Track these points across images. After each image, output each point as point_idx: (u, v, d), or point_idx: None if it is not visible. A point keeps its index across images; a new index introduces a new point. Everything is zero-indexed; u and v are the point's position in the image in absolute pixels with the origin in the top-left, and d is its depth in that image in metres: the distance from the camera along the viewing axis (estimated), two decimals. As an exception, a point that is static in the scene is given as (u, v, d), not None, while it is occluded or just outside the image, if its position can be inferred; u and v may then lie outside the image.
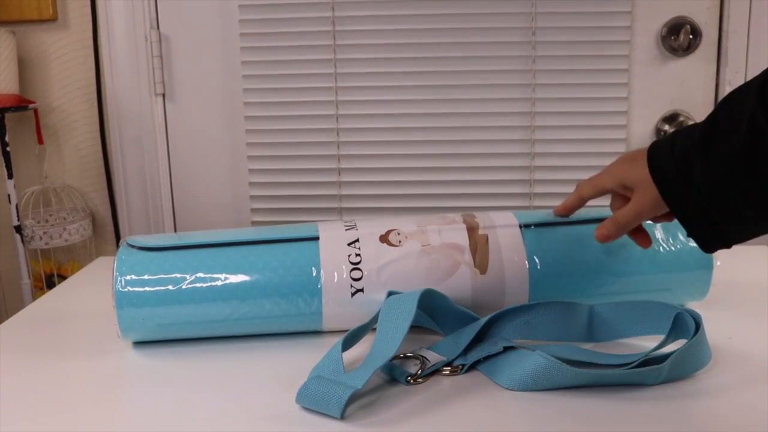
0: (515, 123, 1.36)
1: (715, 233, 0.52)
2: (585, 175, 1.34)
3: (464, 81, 1.35)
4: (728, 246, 0.54)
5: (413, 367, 0.56)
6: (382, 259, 0.62)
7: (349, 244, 0.62)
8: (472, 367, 0.57)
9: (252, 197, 1.43)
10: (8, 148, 1.35)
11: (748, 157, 0.47)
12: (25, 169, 1.47)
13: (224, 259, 0.62)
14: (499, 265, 0.62)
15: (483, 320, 0.59)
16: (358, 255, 0.62)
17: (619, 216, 0.58)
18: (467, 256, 0.62)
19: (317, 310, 0.61)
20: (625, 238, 0.63)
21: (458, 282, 0.62)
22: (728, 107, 0.50)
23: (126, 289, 0.60)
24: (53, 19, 1.41)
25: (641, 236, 0.61)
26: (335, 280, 0.61)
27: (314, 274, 0.61)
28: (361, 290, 0.61)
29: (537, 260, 0.63)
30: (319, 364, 0.54)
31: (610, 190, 0.60)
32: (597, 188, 0.60)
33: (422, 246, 0.63)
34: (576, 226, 0.65)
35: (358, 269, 0.61)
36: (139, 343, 0.64)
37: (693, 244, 0.64)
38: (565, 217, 0.65)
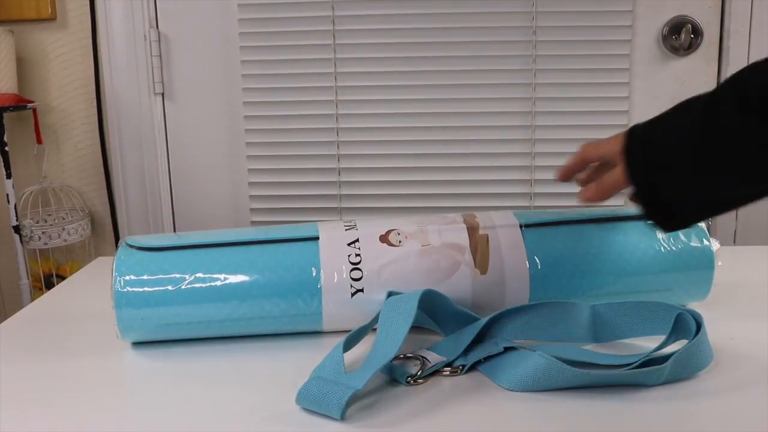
0: (516, 123, 1.35)
1: (654, 195, 0.56)
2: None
3: (464, 81, 1.34)
4: (677, 221, 0.57)
5: (413, 368, 0.56)
6: (382, 259, 0.62)
7: (349, 244, 0.62)
8: (473, 367, 0.57)
9: (252, 197, 1.43)
10: (7, 148, 1.35)
11: (701, 124, 0.52)
12: (24, 169, 1.47)
13: (224, 259, 0.61)
14: (499, 265, 0.62)
15: (483, 321, 0.58)
16: (358, 255, 0.62)
17: (605, 178, 0.60)
18: (467, 256, 0.62)
19: (317, 310, 0.61)
20: (627, 240, 0.63)
21: (458, 282, 0.62)
22: (696, 97, 0.55)
23: (125, 290, 0.60)
24: (52, 18, 1.40)
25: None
26: (335, 280, 0.61)
27: (314, 274, 0.61)
28: (361, 290, 0.61)
29: (537, 260, 0.63)
30: (320, 365, 0.54)
31: (610, 155, 0.61)
32: (600, 151, 0.63)
33: (422, 246, 0.62)
34: (577, 226, 0.65)
35: (358, 269, 0.61)
36: (139, 344, 0.64)
37: (694, 244, 0.64)
38: (566, 181, 0.66)
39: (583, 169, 0.65)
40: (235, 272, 0.61)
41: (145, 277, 0.60)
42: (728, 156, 0.51)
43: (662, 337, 0.57)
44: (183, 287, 0.60)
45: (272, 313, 0.61)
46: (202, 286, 0.60)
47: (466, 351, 0.58)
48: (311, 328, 0.63)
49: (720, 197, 0.55)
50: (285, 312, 0.61)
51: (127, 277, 0.60)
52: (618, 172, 0.58)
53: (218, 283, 0.61)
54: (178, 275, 0.61)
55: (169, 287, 0.60)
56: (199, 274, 0.61)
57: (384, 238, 0.63)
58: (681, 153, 0.54)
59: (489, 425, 0.49)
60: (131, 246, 0.63)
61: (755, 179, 0.52)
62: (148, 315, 0.60)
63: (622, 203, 0.61)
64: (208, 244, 0.63)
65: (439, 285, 0.61)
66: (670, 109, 0.57)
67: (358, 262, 0.61)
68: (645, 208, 0.57)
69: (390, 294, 0.60)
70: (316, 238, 0.63)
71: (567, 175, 0.66)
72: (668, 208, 0.56)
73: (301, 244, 0.63)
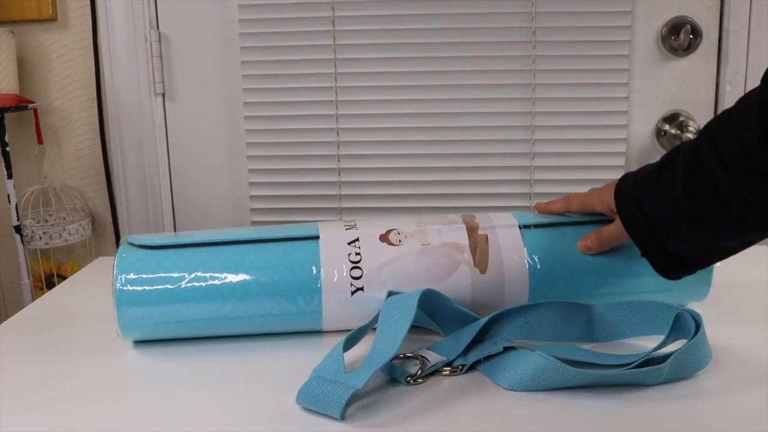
0: (515, 123, 1.35)
1: (664, 254, 0.58)
2: (585, 175, 1.33)
3: (464, 81, 1.34)
4: (685, 269, 0.59)
5: (413, 368, 0.56)
6: (382, 258, 0.62)
7: (349, 243, 0.62)
8: (472, 367, 0.57)
9: (252, 197, 1.43)
10: (8, 148, 1.35)
11: (685, 181, 0.54)
12: (25, 169, 1.47)
13: (224, 258, 0.62)
14: (498, 265, 0.62)
15: (483, 320, 0.58)
16: (358, 254, 0.62)
17: (604, 233, 0.63)
18: (467, 255, 0.62)
19: (317, 308, 0.61)
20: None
21: (458, 281, 0.62)
22: (678, 148, 0.57)
23: (126, 287, 0.60)
24: (53, 18, 1.41)
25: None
26: (335, 279, 0.61)
27: (314, 273, 0.61)
28: (361, 289, 0.61)
29: (537, 260, 0.63)
30: (320, 365, 0.54)
31: (598, 213, 0.64)
32: (586, 207, 0.65)
33: (422, 245, 0.63)
34: (576, 227, 0.65)
35: (358, 268, 0.61)
36: (139, 342, 0.64)
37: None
38: (545, 215, 0.68)
39: (562, 215, 0.68)
40: (235, 270, 0.61)
41: (145, 275, 0.61)
42: (722, 220, 0.53)
43: (661, 337, 0.57)
44: (183, 285, 0.60)
45: (272, 312, 0.61)
46: (202, 285, 0.61)
47: (466, 351, 0.58)
48: (311, 327, 0.63)
49: (728, 245, 0.57)
50: (285, 310, 0.61)
51: (128, 275, 0.61)
52: (616, 229, 0.60)
53: (219, 281, 0.61)
54: (178, 273, 0.61)
55: (170, 285, 0.60)
56: (200, 273, 0.61)
57: (384, 238, 0.63)
58: (678, 218, 0.55)
59: (489, 425, 0.49)
60: (132, 244, 0.63)
61: (756, 232, 0.54)
62: (149, 313, 0.61)
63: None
64: (209, 243, 0.63)
65: (439, 284, 0.61)
66: (655, 167, 0.58)
67: (358, 261, 0.62)
68: (656, 263, 0.59)
69: (390, 293, 0.61)
70: (317, 237, 0.63)
71: (546, 213, 0.68)
72: (678, 261, 0.58)
73: (301, 242, 0.63)
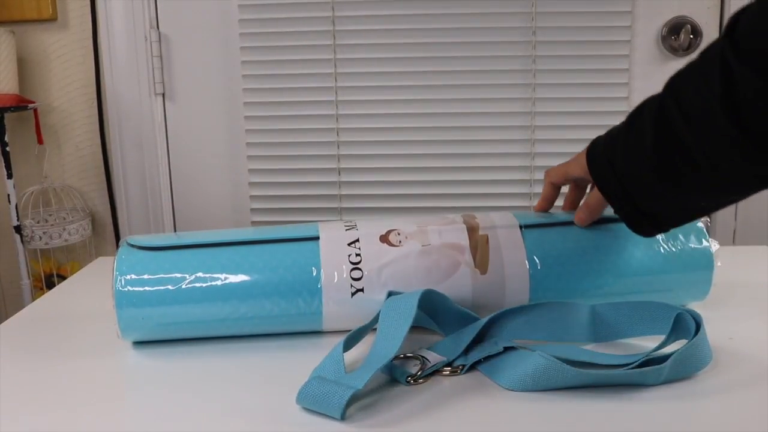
0: (515, 123, 1.36)
1: (637, 212, 0.58)
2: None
3: (464, 81, 1.35)
4: (657, 228, 0.59)
5: (413, 368, 0.56)
6: (382, 259, 0.62)
7: (349, 244, 0.62)
8: (473, 367, 0.57)
9: (252, 197, 1.43)
10: (8, 148, 1.35)
11: (654, 138, 0.53)
12: (25, 169, 1.47)
13: (224, 259, 0.62)
14: (499, 265, 0.62)
15: (483, 320, 0.58)
16: (358, 255, 0.62)
17: (589, 199, 0.63)
18: (467, 256, 0.62)
19: (317, 309, 0.61)
20: (627, 240, 0.63)
21: (458, 282, 0.62)
22: (644, 105, 0.56)
23: (126, 289, 0.60)
24: (53, 18, 1.41)
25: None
26: (335, 280, 0.61)
27: (314, 274, 0.61)
28: (361, 290, 0.61)
29: (537, 260, 0.63)
30: (320, 365, 0.54)
31: (577, 178, 0.65)
32: (566, 175, 0.66)
33: (422, 246, 0.62)
34: (576, 227, 0.65)
35: (359, 269, 0.61)
36: (139, 343, 0.64)
37: (694, 245, 0.64)
38: (546, 213, 0.69)
39: (557, 195, 0.69)
40: (235, 272, 0.61)
41: (145, 276, 0.61)
42: (691, 177, 0.52)
43: (662, 337, 0.57)
44: (183, 286, 0.60)
45: (272, 313, 0.61)
46: (202, 286, 0.61)
47: (466, 351, 0.58)
48: (311, 328, 0.63)
49: (700, 204, 0.56)
50: (285, 311, 0.61)
51: (128, 277, 0.60)
52: (599, 193, 0.60)
53: (219, 282, 0.61)
54: (178, 275, 0.61)
55: (170, 286, 0.60)
56: (200, 274, 0.61)
57: (384, 238, 0.63)
58: (648, 175, 0.55)
59: (489, 425, 0.49)
60: (132, 245, 0.63)
61: (727, 185, 0.53)
62: (149, 314, 0.60)
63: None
64: (209, 244, 0.63)
65: (439, 285, 0.61)
66: (624, 126, 0.58)
67: (359, 262, 0.61)
68: (630, 221, 0.59)
69: (390, 294, 0.61)
70: (317, 238, 0.63)
71: (544, 204, 0.69)
72: (651, 219, 0.58)
73: (301, 243, 0.63)
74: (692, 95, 0.50)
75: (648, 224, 0.59)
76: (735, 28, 0.47)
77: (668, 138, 0.52)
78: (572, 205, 0.69)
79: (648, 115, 0.54)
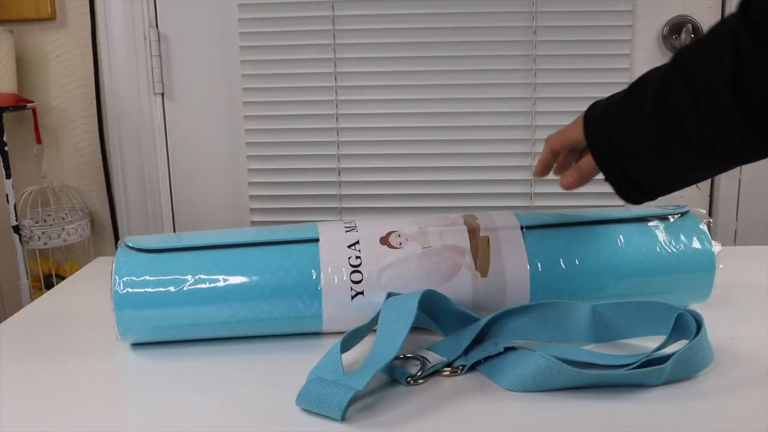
0: (516, 123, 1.35)
1: (626, 180, 0.57)
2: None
3: (464, 80, 1.34)
4: (646, 195, 0.58)
5: (413, 368, 0.56)
6: (382, 262, 0.61)
7: (349, 246, 0.62)
8: (473, 367, 0.57)
9: (252, 197, 1.43)
10: (6, 148, 1.35)
11: (652, 108, 0.53)
12: (24, 169, 1.47)
13: (224, 262, 0.61)
14: (500, 268, 0.62)
15: (483, 321, 0.58)
16: (358, 257, 0.61)
17: (582, 163, 0.62)
18: (468, 258, 0.62)
19: (317, 312, 0.61)
20: (628, 242, 0.63)
21: (459, 284, 0.61)
22: (647, 74, 0.56)
23: (125, 291, 0.60)
24: (52, 18, 1.40)
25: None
26: (335, 283, 0.61)
27: (314, 277, 0.61)
28: (362, 293, 0.61)
29: (538, 262, 0.63)
30: (316, 366, 0.54)
31: (577, 142, 0.63)
32: (566, 140, 0.64)
33: (423, 248, 0.62)
34: (578, 228, 0.65)
35: (359, 272, 0.61)
36: (138, 344, 0.64)
37: (695, 246, 0.64)
38: (544, 175, 0.68)
39: (556, 160, 0.67)
40: (235, 274, 0.61)
41: (144, 278, 0.60)
42: (683, 151, 0.52)
43: (662, 338, 0.57)
44: (183, 289, 0.60)
45: (272, 316, 0.61)
46: (202, 288, 0.60)
47: (466, 351, 0.58)
48: (311, 331, 0.63)
49: (689, 176, 0.57)
50: (285, 314, 0.61)
51: (127, 279, 0.60)
52: (590, 158, 0.60)
53: (218, 285, 0.60)
54: (177, 277, 0.60)
55: (170, 289, 0.60)
56: (199, 276, 0.61)
57: (384, 240, 0.63)
58: (641, 144, 0.55)
59: (489, 425, 0.49)
60: (130, 247, 0.63)
61: (719, 162, 0.53)
62: (148, 317, 0.60)
63: (622, 204, 0.61)
64: (208, 246, 0.63)
65: (440, 287, 0.61)
66: (625, 93, 0.57)
67: (359, 265, 0.61)
68: (618, 188, 0.59)
69: (390, 295, 0.60)
70: (316, 240, 0.63)
71: (543, 169, 0.68)
72: (639, 188, 0.58)
73: (301, 246, 0.62)
74: (700, 72, 0.49)
75: (637, 192, 0.58)
76: (749, 5, 0.46)
77: (667, 110, 0.52)
78: (562, 168, 0.67)
79: (651, 83, 0.54)
